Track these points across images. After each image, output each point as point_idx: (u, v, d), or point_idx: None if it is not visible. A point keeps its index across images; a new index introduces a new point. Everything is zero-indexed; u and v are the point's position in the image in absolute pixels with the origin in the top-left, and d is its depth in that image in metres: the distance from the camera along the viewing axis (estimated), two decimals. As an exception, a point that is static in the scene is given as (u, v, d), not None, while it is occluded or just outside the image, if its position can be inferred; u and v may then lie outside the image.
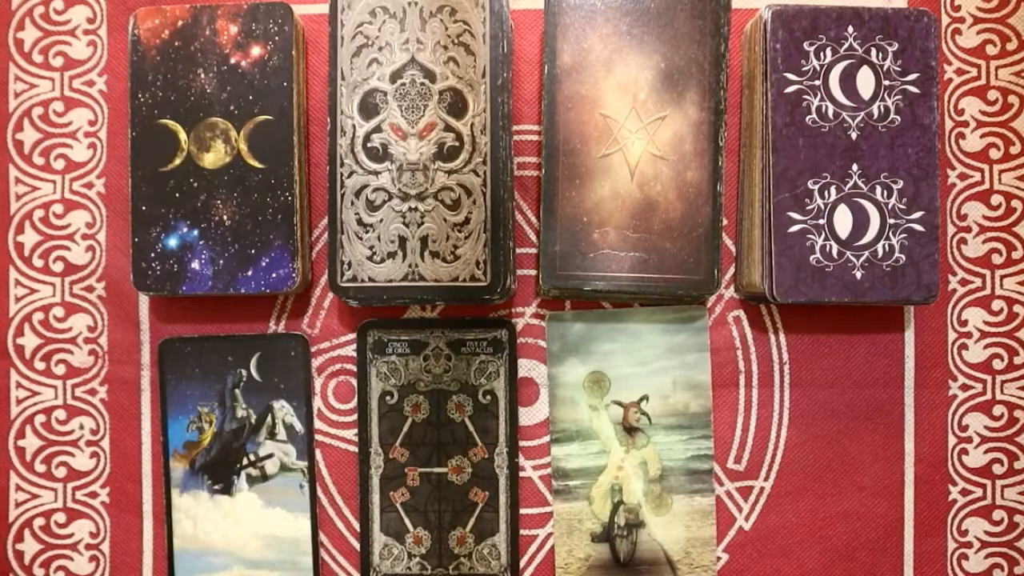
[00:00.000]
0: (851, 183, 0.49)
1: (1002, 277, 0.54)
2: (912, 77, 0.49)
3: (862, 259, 0.49)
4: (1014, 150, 0.54)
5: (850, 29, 0.50)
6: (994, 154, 0.54)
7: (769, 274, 0.49)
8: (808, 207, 0.49)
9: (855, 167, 0.49)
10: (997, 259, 0.54)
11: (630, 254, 0.49)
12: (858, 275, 0.49)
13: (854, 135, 0.49)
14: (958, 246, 0.54)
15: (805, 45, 0.49)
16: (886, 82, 0.49)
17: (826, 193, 0.49)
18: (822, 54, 0.49)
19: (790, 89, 0.49)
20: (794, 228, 0.49)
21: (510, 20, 0.50)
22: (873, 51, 0.50)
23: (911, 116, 0.49)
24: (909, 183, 0.49)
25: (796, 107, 0.49)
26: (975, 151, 0.54)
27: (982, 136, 0.54)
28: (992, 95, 0.54)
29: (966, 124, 0.54)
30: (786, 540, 0.54)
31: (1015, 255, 0.53)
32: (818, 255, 0.49)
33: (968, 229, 0.54)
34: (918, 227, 0.49)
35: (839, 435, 0.54)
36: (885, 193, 0.49)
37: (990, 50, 0.54)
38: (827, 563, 0.53)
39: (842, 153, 0.49)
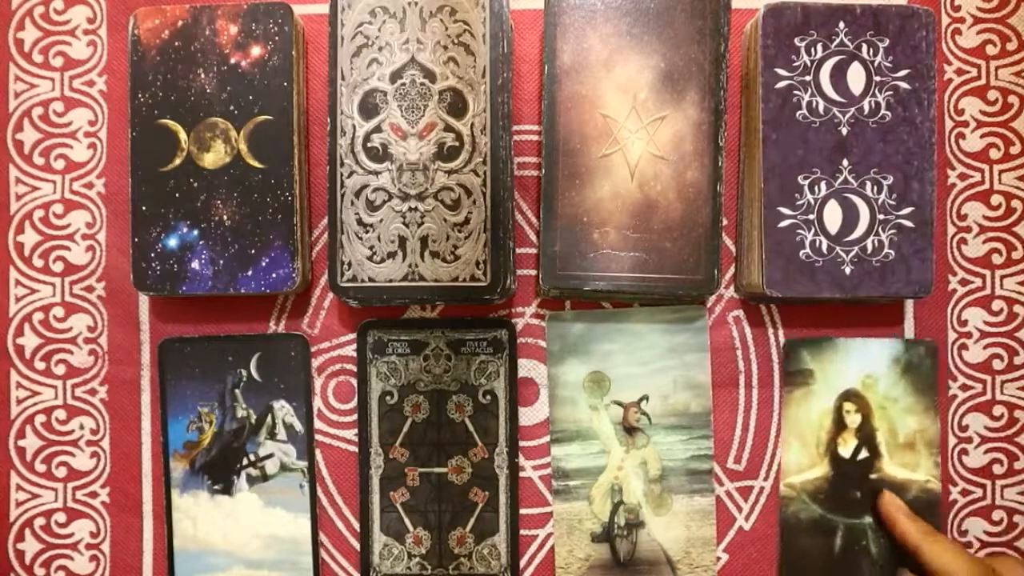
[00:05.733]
0: (841, 178, 0.49)
1: (1002, 277, 0.54)
2: (903, 73, 0.49)
3: (851, 254, 0.49)
4: (1014, 150, 0.54)
5: (841, 25, 0.50)
6: (994, 154, 0.54)
7: (760, 268, 0.49)
8: (798, 202, 0.49)
9: (845, 162, 0.49)
10: (997, 259, 0.54)
11: (630, 254, 0.49)
12: (847, 270, 0.49)
13: (844, 131, 0.49)
14: (958, 246, 0.54)
15: (796, 40, 0.49)
16: (877, 78, 0.49)
17: (816, 188, 0.49)
18: (813, 49, 0.49)
19: (780, 84, 0.49)
20: (784, 223, 0.49)
21: (510, 20, 0.50)
22: (864, 47, 0.50)
23: (902, 112, 0.49)
24: (899, 179, 0.49)
25: (787, 102, 0.49)
26: (975, 151, 0.54)
27: (982, 136, 0.54)
28: (992, 95, 0.54)
29: (966, 124, 0.54)
30: (786, 540, 0.54)
31: (1015, 255, 0.53)
32: (808, 250, 0.49)
33: (968, 229, 0.54)
34: (907, 223, 0.49)
35: (839, 435, 0.54)
36: (875, 189, 0.49)
37: (990, 50, 0.54)
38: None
39: (832, 148, 0.49)
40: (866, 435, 0.52)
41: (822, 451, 0.52)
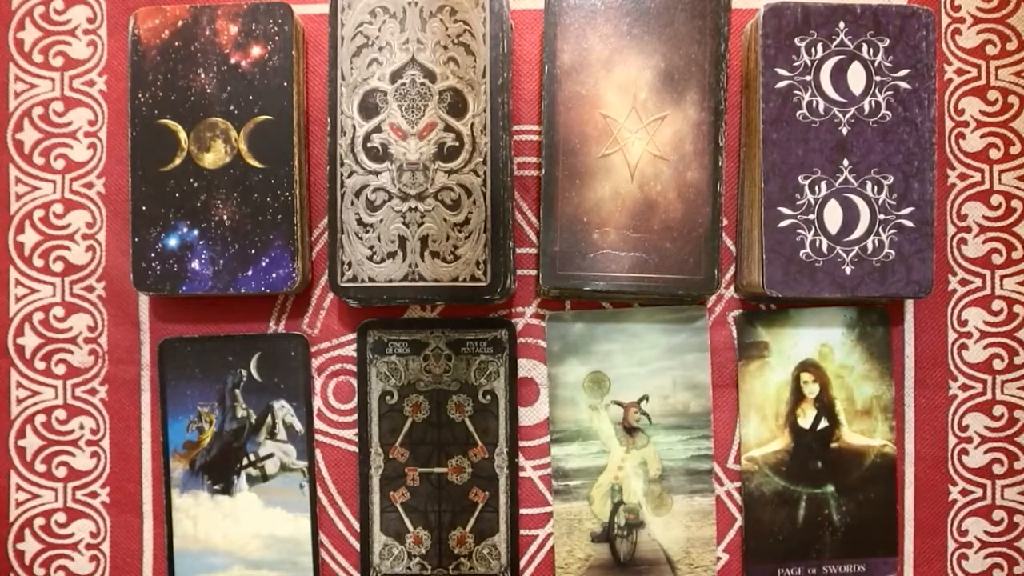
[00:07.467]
0: (841, 178, 0.49)
1: (1002, 277, 0.54)
2: (903, 73, 0.49)
3: (852, 254, 0.49)
4: (1014, 150, 0.54)
5: (841, 25, 0.50)
6: (994, 154, 0.54)
7: (760, 268, 0.49)
8: (798, 202, 0.49)
9: (845, 162, 0.49)
10: (997, 259, 0.54)
11: (630, 254, 0.49)
12: (848, 270, 0.49)
13: (845, 130, 0.49)
14: (958, 246, 0.54)
15: (796, 40, 0.49)
16: (877, 78, 0.49)
17: (816, 188, 0.49)
18: (813, 49, 0.49)
19: (781, 84, 0.49)
20: (784, 223, 0.49)
21: (510, 20, 0.50)
22: (864, 47, 0.50)
23: (902, 112, 0.49)
24: (899, 179, 0.49)
25: (787, 102, 0.49)
26: (975, 151, 0.54)
27: (982, 136, 0.54)
28: (992, 95, 0.54)
29: (966, 124, 0.54)
30: (786, 540, 0.54)
31: (1015, 255, 0.53)
32: (808, 250, 0.49)
33: (968, 229, 0.54)
34: (908, 223, 0.49)
35: (839, 435, 0.54)
36: (875, 188, 0.49)
37: (990, 50, 0.54)
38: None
39: (833, 148, 0.49)
40: (825, 405, 0.52)
41: (781, 423, 0.53)
